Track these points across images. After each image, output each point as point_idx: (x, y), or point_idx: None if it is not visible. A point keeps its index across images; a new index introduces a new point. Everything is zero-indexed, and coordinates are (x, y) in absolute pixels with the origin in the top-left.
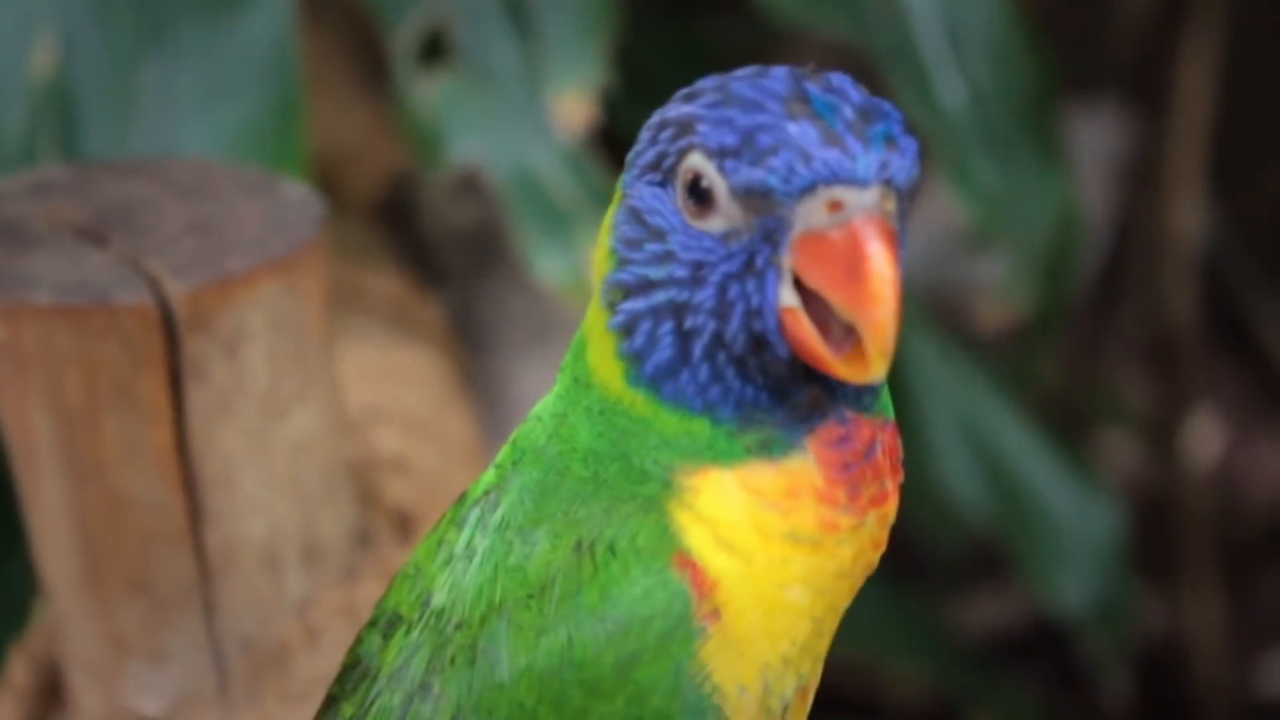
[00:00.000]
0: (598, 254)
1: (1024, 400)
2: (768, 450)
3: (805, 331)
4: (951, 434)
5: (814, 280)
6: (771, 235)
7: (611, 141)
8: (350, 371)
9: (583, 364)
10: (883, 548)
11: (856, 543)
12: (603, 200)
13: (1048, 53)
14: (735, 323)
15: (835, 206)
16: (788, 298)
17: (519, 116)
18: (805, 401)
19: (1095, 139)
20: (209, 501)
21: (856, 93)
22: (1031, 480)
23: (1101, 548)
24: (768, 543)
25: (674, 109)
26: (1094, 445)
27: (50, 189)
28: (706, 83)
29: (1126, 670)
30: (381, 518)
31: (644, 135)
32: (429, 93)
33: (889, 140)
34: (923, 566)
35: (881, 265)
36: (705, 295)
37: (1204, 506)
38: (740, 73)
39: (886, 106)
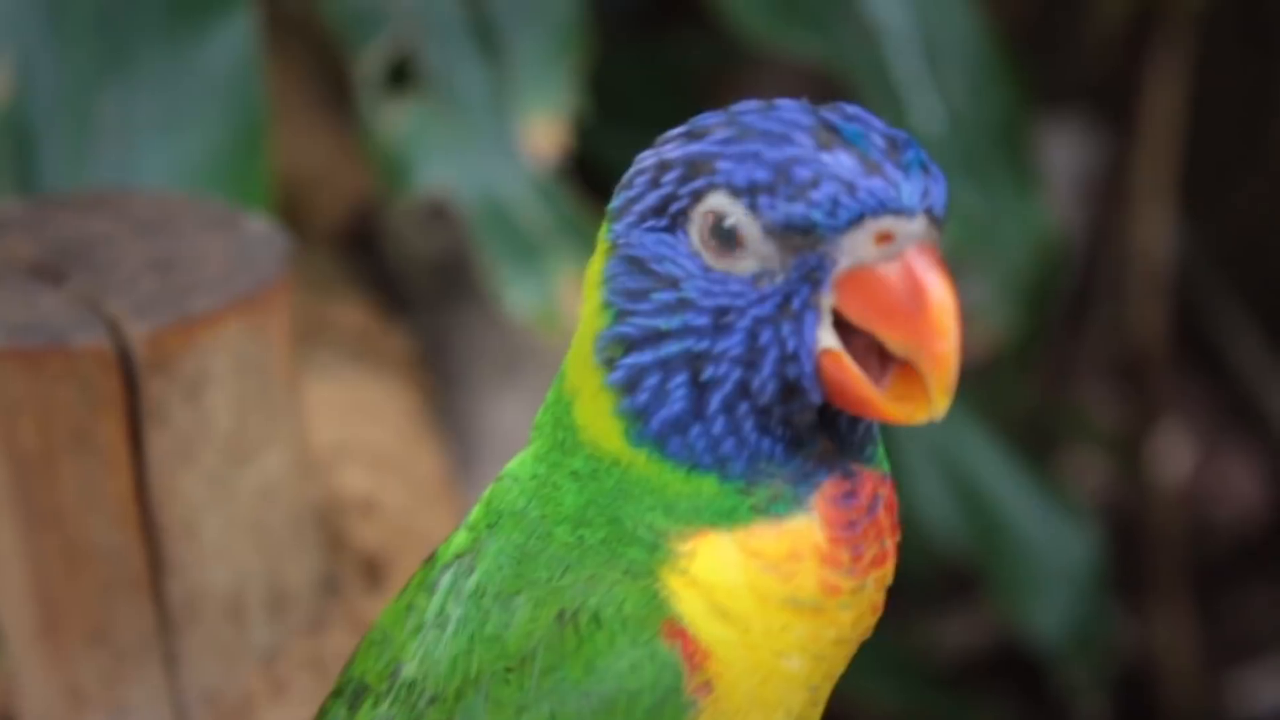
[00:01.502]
0: (585, 309)
1: (997, 423)
2: (773, 508)
3: (850, 374)
4: (924, 458)
5: (865, 318)
6: (811, 274)
7: (581, 167)
8: (314, 406)
9: (567, 424)
10: (879, 612)
11: (856, 607)
12: (574, 228)
13: (1022, 73)
14: (766, 369)
15: (885, 238)
16: (828, 339)
17: (487, 142)
18: (816, 454)
19: (1060, 155)
20: (170, 550)
21: (877, 120)
22: (1006, 505)
23: (1077, 574)
24: (766, 609)
25: (675, 148)
26: (1061, 464)
27: (3, 225)
28: (709, 119)
29: (1104, 697)
30: (349, 563)
31: (638, 180)
32: (395, 118)
33: (924, 167)
34: (893, 588)
35: (942, 296)
36: (730, 343)
37: (1173, 524)
38: (743, 107)
39: (905, 134)
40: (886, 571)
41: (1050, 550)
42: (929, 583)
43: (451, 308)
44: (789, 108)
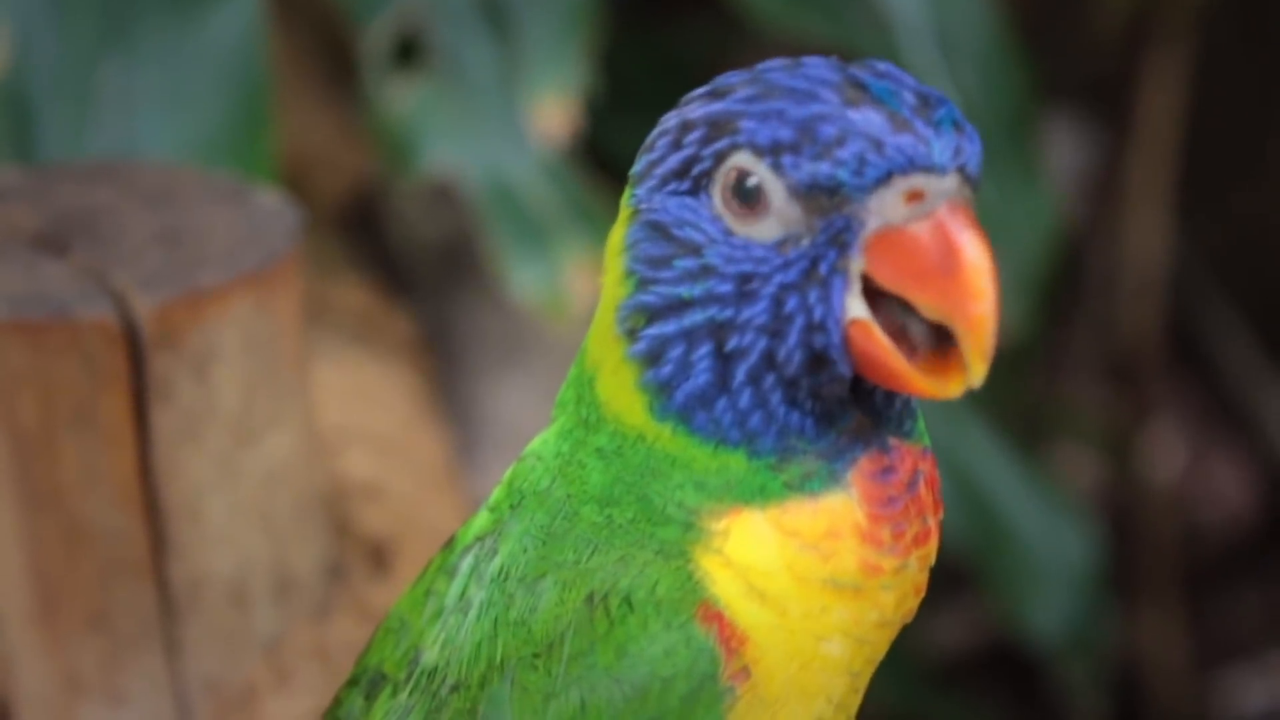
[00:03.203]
0: (606, 279)
1: (996, 420)
2: (808, 485)
3: (879, 345)
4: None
5: (896, 281)
6: (838, 237)
7: (589, 150)
8: (316, 389)
9: (589, 400)
10: (923, 593)
11: (899, 587)
12: (583, 212)
13: (1031, 65)
14: (792, 339)
15: (915, 197)
16: (856, 308)
17: (495, 122)
18: (851, 428)
19: (1054, 152)
20: (173, 532)
21: (908, 77)
22: (1005, 503)
23: (1076, 572)
24: (805, 590)
25: (697, 108)
26: (1052, 462)
27: (4, 193)
28: (732, 78)
29: (1101, 697)
30: (354, 548)
31: (660, 142)
32: (401, 97)
33: (956, 125)
34: None
35: (977, 256)
36: (755, 311)
37: (1163, 524)
38: (770, 64)
39: (939, 92)
40: (930, 550)
41: (1049, 548)
42: None
43: (455, 291)
44: (815, 64)
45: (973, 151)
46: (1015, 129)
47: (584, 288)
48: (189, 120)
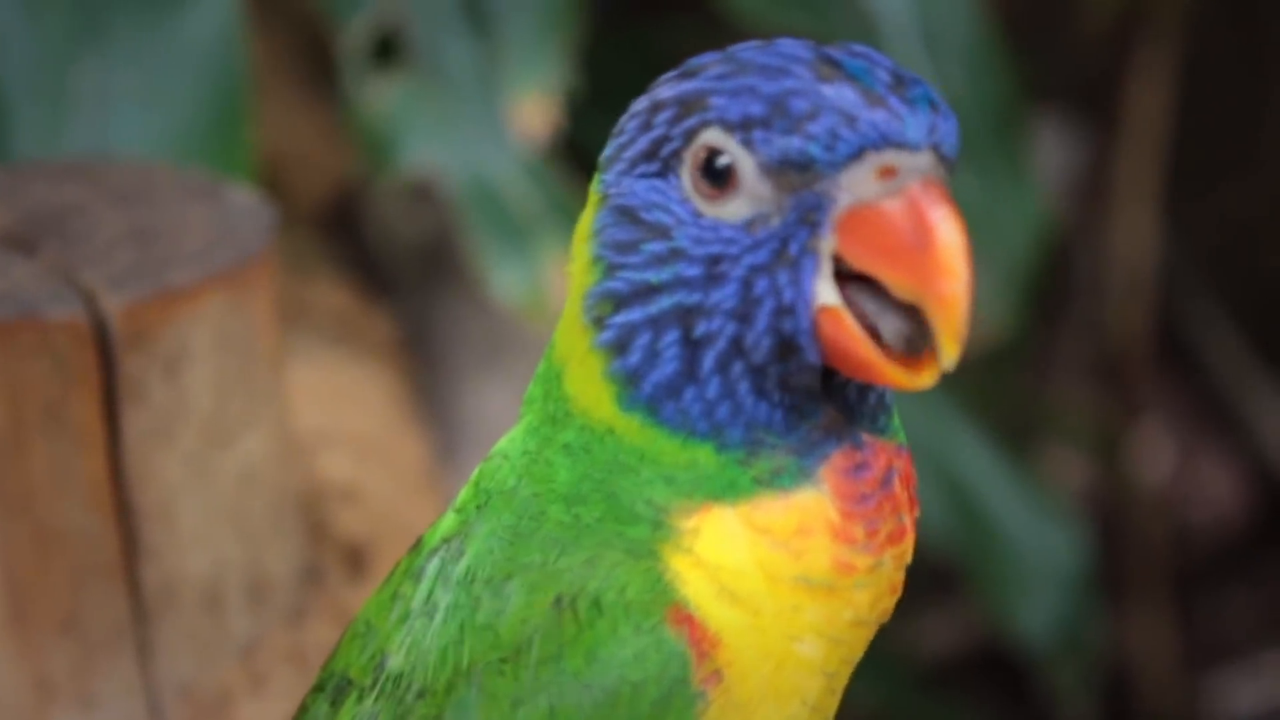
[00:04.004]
0: (574, 268)
1: (984, 420)
2: (778, 481)
3: (848, 333)
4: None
5: (866, 260)
6: (808, 215)
7: (570, 149)
8: (294, 390)
9: (557, 395)
10: (899, 592)
11: (874, 586)
12: (564, 211)
13: (1018, 63)
14: (760, 324)
15: (887, 173)
16: (826, 294)
17: (475, 121)
18: (823, 424)
19: (1041, 152)
20: (146, 535)
21: (884, 57)
22: (993, 504)
23: (1065, 575)
24: (777, 589)
25: (667, 89)
26: (1041, 462)
27: None
28: (705, 58)
29: (1091, 699)
30: (331, 552)
31: (630, 125)
32: (380, 95)
33: (931, 104)
34: None
35: (950, 233)
36: (724, 294)
37: (1152, 525)
38: (741, 45)
39: (914, 74)
40: (905, 549)
41: (1037, 550)
42: (910, 581)
43: (435, 291)
44: (788, 43)
45: (948, 130)
46: (1002, 128)
47: (564, 286)
48: (165, 119)
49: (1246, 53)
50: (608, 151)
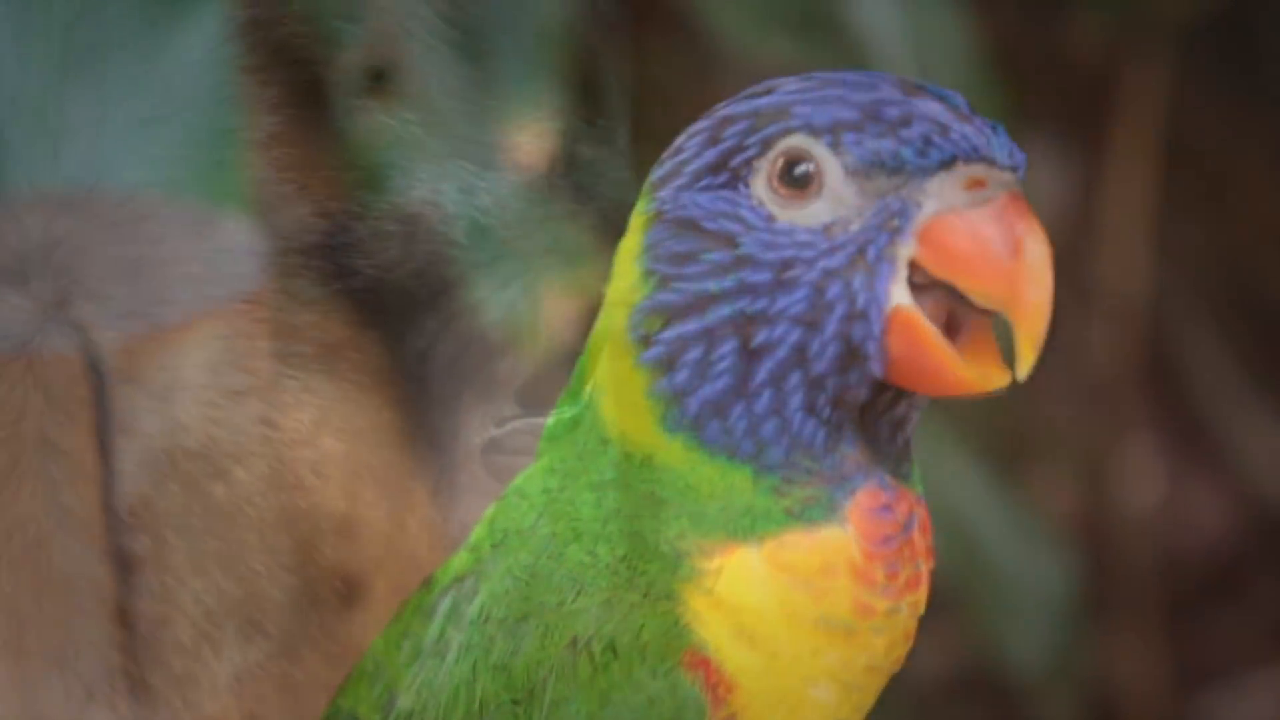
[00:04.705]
0: (612, 292)
1: (973, 445)
2: (807, 514)
3: (923, 333)
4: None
5: (950, 266)
6: (890, 220)
7: (563, 177)
8: (288, 421)
9: (590, 423)
10: (911, 641)
11: (890, 632)
12: (557, 239)
13: (1007, 86)
14: (829, 329)
15: (976, 184)
16: (900, 294)
17: (468, 149)
18: (852, 457)
19: (1031, 176)
20: (138, 568)
21: (955, 93)
22: (984, 530)
23: (1055, 600)
24: (796, 631)
25: (737, 106)
26: (1029, 486)
27: None
28: (778, 80)
29: None
30: (324, 583)
31: (690, 143)
32: (372, 125)
33: (1007, 134)
34: None
35: (1038, 244)
36: (792, 299)
37: (1141, 548)
38: (811, 75)
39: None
40: (920, 597)
41: (1026, 575)
42: None
43: (428, 320)
44: (864, 72)
45: (1021, 159)
46: None
47: (558, 316)
48: (157, 150)
49: (1235, 75)
50: (661, 171)
